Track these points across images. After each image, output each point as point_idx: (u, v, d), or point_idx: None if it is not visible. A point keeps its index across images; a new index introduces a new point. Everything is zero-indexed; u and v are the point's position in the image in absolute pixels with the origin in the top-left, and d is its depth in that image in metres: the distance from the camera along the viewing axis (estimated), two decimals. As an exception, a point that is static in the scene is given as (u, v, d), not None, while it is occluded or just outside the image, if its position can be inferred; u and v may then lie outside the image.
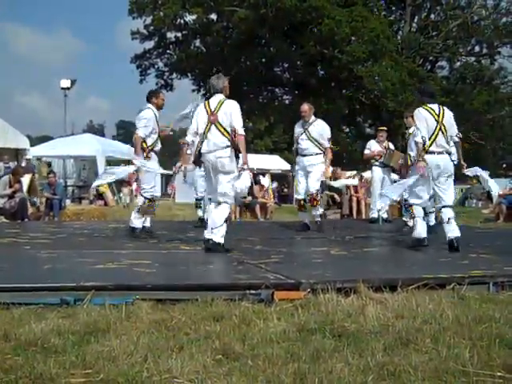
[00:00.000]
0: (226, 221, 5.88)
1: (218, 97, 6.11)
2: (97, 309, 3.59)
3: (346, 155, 31.07)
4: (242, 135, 5.91)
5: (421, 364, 2.67)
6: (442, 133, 6.28)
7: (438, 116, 6.30)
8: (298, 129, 8.57)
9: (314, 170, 8.34)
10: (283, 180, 25.87)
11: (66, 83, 29.89)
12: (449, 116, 6.40)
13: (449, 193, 6.36)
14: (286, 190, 25.65)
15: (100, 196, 18.00)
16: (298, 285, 4.10)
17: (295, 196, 8.93)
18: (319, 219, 8.62)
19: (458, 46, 31.40)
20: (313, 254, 6.15)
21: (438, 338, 3.08)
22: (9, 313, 3.49)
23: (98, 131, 60.32)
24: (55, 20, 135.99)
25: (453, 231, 6.25)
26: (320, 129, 8.44)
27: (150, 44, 34.57)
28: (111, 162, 20.83)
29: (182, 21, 32.94)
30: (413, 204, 6.37)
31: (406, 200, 6.90)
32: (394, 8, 33.44)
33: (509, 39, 29.93)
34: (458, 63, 32.14)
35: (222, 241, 5.88)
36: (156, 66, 35.62)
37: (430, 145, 6.22)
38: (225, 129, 5.94)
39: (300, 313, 3.59)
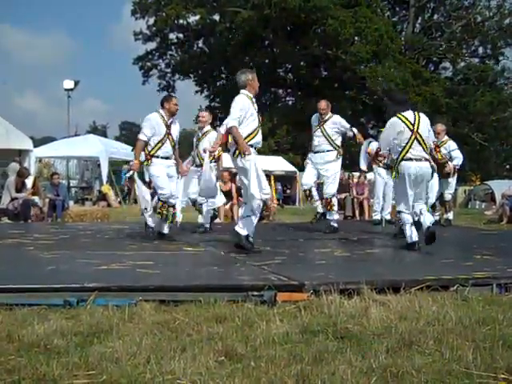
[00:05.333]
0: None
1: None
2: (100, 310, 3.60)
3: (349, 156, 31.01)
4: (230, 127, 5.88)
5: (424, 366, 2.67)
6: (418, 142, 6.37)
7: (413, 125, 6.38)
8: (314, 123, 8.48)
9: (329, 174, 8.30)
10: (286, 181, 25.85)
11: (69, 84, 29.92)
12: (425, 124, 6.50)
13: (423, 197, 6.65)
14: (288, 191, 25.63)
15: (103, 197, 18.02)
16: (300, 286, 4.10)
17: (302, 187, 8.75)
18: (335, 225, 8.48)
19: (461, 47, 31.38)
20: (316, 256, 6.14)
21: (441, 339, 3.07)
22: (12, 314, 3.50)
23: (101, 132, 60.35)
24: (54, 21, 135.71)
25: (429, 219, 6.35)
26: (337, 123, 8.38)
27: (152, 45, 34.70)
28: (114, 162, 20.86)
29: (185, 22, 33.02)
30: (401, 211, 6.42)
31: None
32: (397, 9, 33.49)
33: (512, 40, 29.92)
34: (462, 63, 32.09)
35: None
36: (158, 67, 35.70)
37: (405, 154, 6.33)
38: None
39: (303, 314, 3.59)
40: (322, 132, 8.32)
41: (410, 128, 6.37)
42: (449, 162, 9.75)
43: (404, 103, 6.73)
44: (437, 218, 10.40)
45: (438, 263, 5.52)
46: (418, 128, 6.40)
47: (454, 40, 30.89)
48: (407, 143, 6.33)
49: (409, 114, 6.47)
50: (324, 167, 8.31)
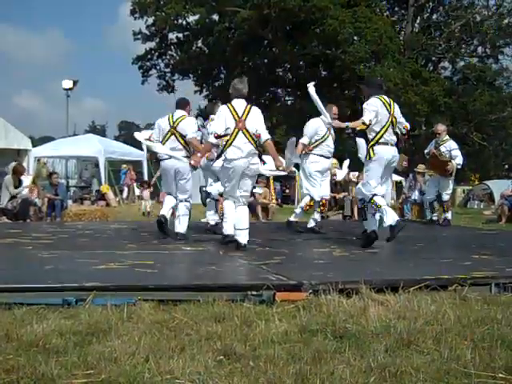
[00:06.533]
0: None
1: (243, 102, 6.22)
2: (99, 309, 3.60)
3: (348, 156, 31.03)
4: (268, 139, 6.24)
5: (422, 365, 2.67)
6: (392, 125, 6.44)
7: (390, 107, 6.46)
8: (323, 127, 8.04)
9: (328, 175, 8.38)
10: (285, 181, 25.85)
11: (68, 84, 29.92)
12: (397, 109, 6.59)
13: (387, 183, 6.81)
14: (287, 190, 25.63)
15: (102, 196, 18.02)
16: (299, 286, 4.10)
17: (313, 196, 8.14)
18: (315, 225, 8.41)
19: (460, 47, 31.36)
20: (314, 255, 6.14)
21: (439, 339, 3.08)
22: (11, 313, 3.50)
23: (100, 132, 60.37)
24: (52, 20, 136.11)
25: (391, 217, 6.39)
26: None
27: (151, 45, 34.65)
28: (113, 162, 20.84)
29: (184, 21, 32.99)
30: (375, 194, 6.38)
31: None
32: (396, 8, 33.45)
33: (512, 39, 29.92)
34: (461, 63, 32.09)
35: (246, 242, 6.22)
36: (158, 67, 35.66)
37: (382, 136, 6.37)
38: (251, 136, 6.13)
39: (301, 314, 3.59)
40: (332, 137, 8.16)
41: (388, 110, 6.42)
42: (452, 161, 9.78)
43: (380, 87, 6.78)
44: (435, 217, 10.43)
45: (437, 263, 5.52)
46: (393, 111, 6.46)
47: (453, 40, 30.87)
48: (384, 126, 6.37)
49: (386, 97, 6.51)
50: (327, 172, 8.34)
